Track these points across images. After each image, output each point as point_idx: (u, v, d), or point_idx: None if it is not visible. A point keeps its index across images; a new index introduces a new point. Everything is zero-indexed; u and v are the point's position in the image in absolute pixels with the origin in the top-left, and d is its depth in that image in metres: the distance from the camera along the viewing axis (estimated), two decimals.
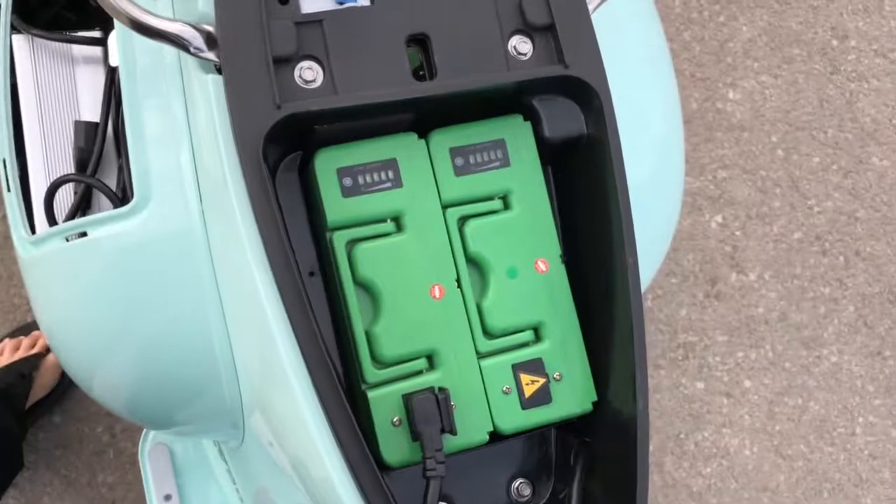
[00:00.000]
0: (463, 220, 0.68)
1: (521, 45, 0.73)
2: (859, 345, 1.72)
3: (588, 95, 0.73)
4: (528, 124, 0.71)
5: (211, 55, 0.68)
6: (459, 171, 0.69)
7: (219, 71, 0.68)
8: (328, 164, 0.70)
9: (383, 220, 0.67)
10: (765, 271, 1.73)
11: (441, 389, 0.69)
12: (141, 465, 1.01)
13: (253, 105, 0.66)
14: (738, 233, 1.74)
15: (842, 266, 1.75)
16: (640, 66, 0.88)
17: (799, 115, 1.80)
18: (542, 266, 0.74)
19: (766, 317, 1.71)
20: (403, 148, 0.67)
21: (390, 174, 0.71)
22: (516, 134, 0.70)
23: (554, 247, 0.71)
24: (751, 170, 1.76)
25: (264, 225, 0.65)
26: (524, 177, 0.70)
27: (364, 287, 0.71)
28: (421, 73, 0.68)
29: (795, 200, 1.76)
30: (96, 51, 0.82)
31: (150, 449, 1.01)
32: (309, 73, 0.68)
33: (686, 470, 1.62)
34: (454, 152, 0.69)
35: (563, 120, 0.75)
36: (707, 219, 1.73)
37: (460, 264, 0.68)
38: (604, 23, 0.68)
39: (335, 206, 0.65)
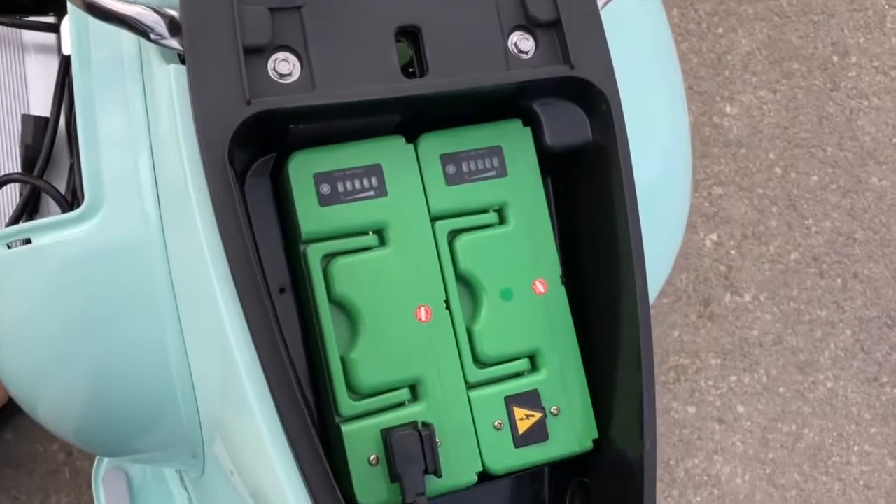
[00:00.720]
0: (453, 235, 0.62)
1: (522, 43, 0.66)
2: (856, 370, 1.67)
3: (595, 100, 0.66)
4: (527, 130, 0.64)
5: (174, 43, 0.60)
6: (451, 180, 0.62)
7: (182, 61, 0.61)
8: (304, 168, 0.63)
9: (365, 233, 0.61)
10: (760, 293, 1.67)
11: (425, 424, 0.61)
12: (94, 492, 0.92)
13: (219, 100, 0.58)
14: (733, 252, 1.68)
15: (839, 288, 1.69)
16: (647, 68, 0.82)
17: (798, 131, 1.74)
18: (539, 287, 0.67)
19: (760, 340, 1.65)
20: (389, 153, 0.61)
21: (374, 181, 0.63)
22: (514, 140, 0.63)
23: (553, 266, 0.64)
24: (747, 187, 1.70)
25: (228, 235, 0.57)
26: (522, 188, 0.63)
27: (341, 307, 0.63)
28: (411, 69, 0.61)
29: (793, 220, 1.71)
30: (50, 38, 0.74)
31: (105, 473, 0.92)
32: (284, 65, 0.60)
33: (675, 499, 1.55)
34: (445, 159, 0.62)
35: (567, 126, 0.68)
36: (701, 237, 1.67)
37: (449, 284, 0.61)
38: (610, 20, 0.61)
39: (311, 216, 0.58)
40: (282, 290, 0.66)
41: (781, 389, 1.66)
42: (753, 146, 1.72)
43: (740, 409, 1.64)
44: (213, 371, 0.65)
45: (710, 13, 1.76)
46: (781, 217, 1.72)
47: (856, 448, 1.65)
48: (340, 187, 0.63)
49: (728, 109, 1.73)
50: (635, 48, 0.80)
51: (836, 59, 1.80)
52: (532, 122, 0.65)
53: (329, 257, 0.59)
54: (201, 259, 0.60)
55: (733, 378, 1.64)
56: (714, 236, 1.68)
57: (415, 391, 0.61)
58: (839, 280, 1.71)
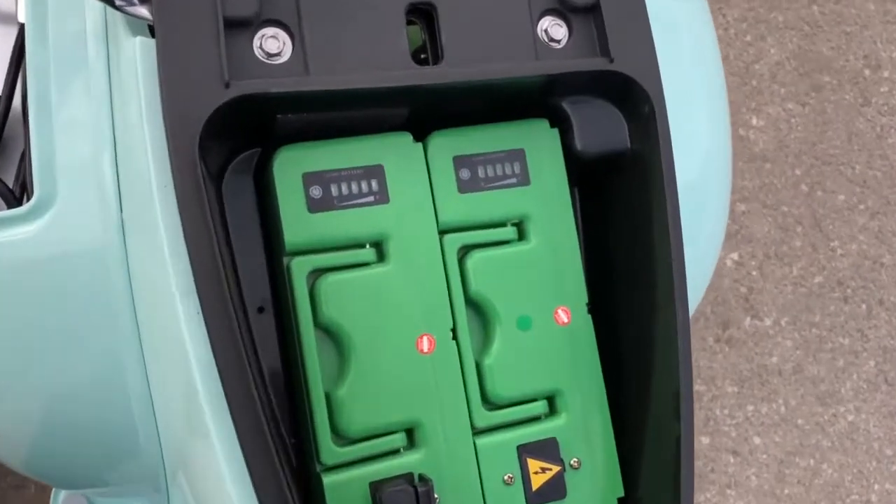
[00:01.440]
0: (465, 251, 0.55)
1: (553, 29, 0.56)
2: (878, 403, 1.57)
3: (636, 100, 0.57)
4: (554, 132, 0.57)
5: (143, 11, 0.50)
6: (464, 187, 0.53)
7: (153, 33, 0.51)
8: (291, 166, 0.53)
9: (360, 246, 0.53)
10: (781, 317, 1.57)
11: (422, 478, 0.52)
12: None
13: (193, 80, 0.48)
14: (754, 273, 1.58)
15: (864, 315, 1.59)
16: (690, 64, 0.72)
17: (826, 147, 1.65)
18: (562, 317, 0.57)
19: (780, 367, 1.55)
20: (393, 152, 0.54)
21: (374, 185, 0.54)
22: (539, 143, 0.56)
23: (579, 292, 0.56)
24: (772, 205, 1.60)
25: (193, 243, 0.47)
26: (546, 199, 0.56)
27: (328, 333, 0.53)
28: (423, 55, 0.54)
29: (817, 241, 1.61)
30: (8, 4, 0.64)
31: (64, 499, 0.82)
32: (273, 43, 0.51)
33: None
34: (459, 162, 0.52)
35: (602, 129, 0.58)
36: (722, 255, 1.57)
37: (458, 309, 0.54)
38: (649, 6, 0.51)
39: (297, 224, 0.51)
40: (261, 310, 0.56)
41: (800, 421, 1.56)
42: (779, 161, 1.62)
43: (756, 440, 1.54)
44: (175, 400, 0.55)
45: (739, 19, 1.66)
46: (806, 237, 1.62)
47: (876, 486, 1.56)
48: (334, 191, 0.53)
49: (754, 121, 1.63)
50: (676, 40, 0.70)
51: (867, 72, 1.70)
52: (560, 122, 0.58)
53: (317, 273, 0.52)
54: (163, 270, 0.50)
55: (750, 407, 1.54)
56: (735, 255, 1.58)
57: (412, 436, 0.51)
58: (864, 306, 1.61)
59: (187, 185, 0.48)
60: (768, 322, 1.59)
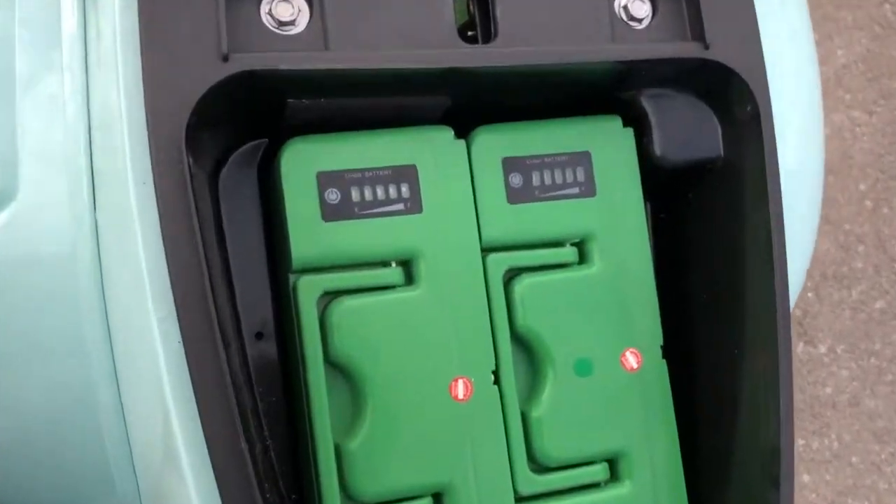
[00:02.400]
0: (512, 275, 0.47)
1: (635, 7, 0.46)
2: None
3: (736, 97, 0.46)
4: (628, 133, 0.49)
5: None
6: (515, 196, 0.46)
7: None
8: (303, 163, 0.43)
9: (385, 264, 0.45)
10: (837, 344, 1.45)
11: None
12: None
13: (183, 51, 0.38)
14: (810, 294, 1.46)
15: None
16: (788, 56, 0.60)
17: (894, 161, 1.52)
18: (631, 361, 0.46)
19: (834, 399, 1.43)
20: (429, 150, 0.46)
21: (404, 190, 0.43)
22: (609, 146, 0.48)
23: (653, 331, 0.49)
24: (833, 221, 1.48)
25: (175, 257, 0.37)
26: (615, 215, 0.48)
27: (341, 371, 0.43)
28: (471, 32, 0.45)
29: (881, 262, 1.48)
30: None
31: None
32: (285, 8, 0.40)
33: None
34: (510, 165, 0.44)
35: (688, 132, 0.48)
36: None
37: (502, 346, 0.46)
38: None
39: (307, 234, 0.43)
40: (259, 336, 0.46)
41: (854, 459, 1.44)
42: (842, 174, 1.50)
43: (805, 477, 1.42)
44: (152, 442, 0.45)
45: None
46: (868, 258, 1.49)
47: None
48: (354, 195, 0.43)
49: None
50: (773, 26, 0.58)
51: None
52: (636, 121, 0.49)
53: (329, 296, 0.44)
54: (139, 288, 0.40)
55: (801, 441, 1.42)
56: None
57: (440, 503, 0.40)
58: None
59: (169, 184, 0.38)
60: (823, 349, 1.47)
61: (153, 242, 0.39)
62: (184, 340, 0.38)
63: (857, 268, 1.50)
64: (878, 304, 1.50)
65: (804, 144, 0.57)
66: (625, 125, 0.48)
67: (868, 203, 1.52)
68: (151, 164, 0.38)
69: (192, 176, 0.38)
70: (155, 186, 0.38)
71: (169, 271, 0.38)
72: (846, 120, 1.53)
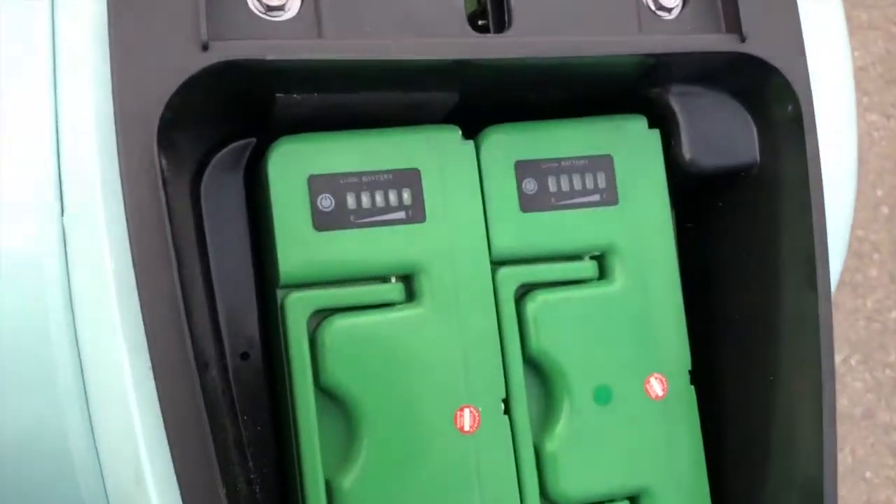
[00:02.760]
0: (526, 292, 0.43)
1: None
2: None
3: (775, 96, 0.42)
4: (654, 135, 0.45)
5: None
6: (529, 204, 0.42)
7: None
8: (293, 165, 0.38)
9: (384, 279, 0.41)
10: (852, 354, 1.41)
11: None
12: None
13: (156, 37, 0.34)
14: None
15: None
16: (825, 56, 0.55)
17: None
18: (656, 387, 0.42)
19: (849, 412, 1.38)
20: (434, 152, 0.41)
21: (405, 196, 0.39)
22: (633, 149, 0.44)
23: (680, 354, 0.45)
24: None
25: (145, 274, 0.32)
26: (640, 225, 0.44)
27: (334, 399, 0.39)
28: (482, 21, 0.41)
29: None
30: None
31: None
32: None
33: None
34: (523, 169, 0.41)
35: (720, 134, 0.43)
36: None
37: (513, 372, 0.42)
38: None
39: (297, 245, 0.39)
40: (244, 356, 0.42)
41: (868, 474, 1.39)
42: (858, 179, 1.45)
43: None
44: (124, 477, 0.40)
45: None
46: (883, 266, 1.45)
47: None
48: (350, 202, 0.39)
49: None
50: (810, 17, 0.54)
51: None
52: (663, 122, 0.45)
53: (321, 315, 0.40)
54: (106, 305, 0.36)
55: None
56: None
57: None
58: None
59: (140, 190, 0.33)
60: (837, 360, 1.43)
61: (123, 254, 0.35)
62: (154, 367, 0.34)
63: (872, 276, 1.45)
64: (894, 314, 1.46)
65: (840, 148, 0.53)
66: (650, 126, 0.44)
67: (885, 209, 1.47)
68: (119, 167, 0.33)
69: (166, 181, 0.34)
70: (123, 193, 0.33)
71: (138, 290, 0.33)
72: (862, 123, 1.48)
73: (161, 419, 0.34)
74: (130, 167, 0.33)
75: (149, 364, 0.34)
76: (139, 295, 0.33)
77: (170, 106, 0.34)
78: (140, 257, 0.33)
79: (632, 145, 0.44)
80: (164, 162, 0.34)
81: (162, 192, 0.33)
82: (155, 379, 0.34)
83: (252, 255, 0.43)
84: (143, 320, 0.33)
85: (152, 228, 0.33)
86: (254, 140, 0.43)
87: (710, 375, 0.46)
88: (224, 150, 0.43)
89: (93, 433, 0.43)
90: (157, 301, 0.33)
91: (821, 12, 0.53)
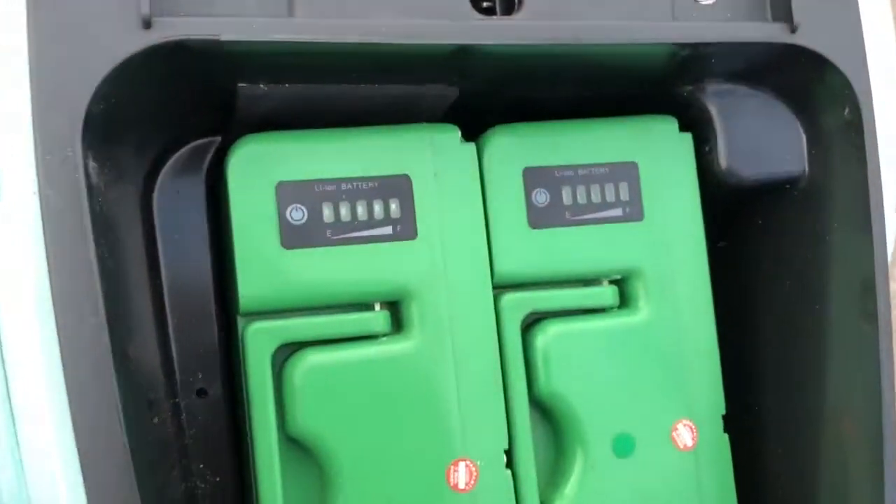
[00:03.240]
0: (534, 322, 0.37)
1: None
2: None
3: (829, 96, 0.36)
4: (686, 140, 0.39)
5: None
6: (539, 218, 0.37)
7: None
8: (258, 169, 0.32)
9: (367, 307, 0.35)
10: None
11: None
12: None
13: (88, 12, 0.27)
14: None
15: None
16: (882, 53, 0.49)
17: None
18: (685, 436, 0.36)
19: None
20: (429, 155, 0.36)
21: (393, 209, 0.33)
22: (662, 156, 0.39)
23: (713, 398, 0.39)
24: None
25: (61, 297, 0.26)
26: (668, 244, 0.39)
27: (304, 448, 0.32)
28: (486, 2, 0.35)
29: None
30: None
31: None
32: None
33: None
34: (533, 177, 0.37)
35: (763, 140, 0.38)
36: None
37: (518, 417, 0.36)
38: None
39: (261, 264, 0.33)
40: (201, 393, 0.35)
41: None
42: None
43: None
44: None
45: None
46: None
47: None
48: (327, 214, 0.33)
49: None
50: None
51: None
52: (696, 125, 0.39)
53: (289, 349, 0.34)
54: (25, 337, 0.29)
55: None
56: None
57: None
58: None
59: (58, 196, 0.27)
60: None
61: (39, 276, 0.28)
62: (72, 413, 0.27)
63: None
64: None
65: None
66: (681, 129, 0.38)
67: None
68: (36, 169, 0.27)
69: (93, 186, 0.27)
70: (41, 203, 0.27)
71: (56, 319, 0.27)
72: None
73: (80, 478, 0.28)
74: (48, 168, 0.27)
75: (68, 408, 0.28)
76: (56, 324, 0.27)
77: (102, 95, 0.28)
78: (57, 279, 0.27)
79: (660, 151, 0.38)
80: (94, 164, 0.28)
81: (85, 201, 0.26)
82: (74, 428, 0.27)
83: (213, 275, 0.37)
84: (61, 356, 0.27)
85: (74, 243, 0.27)
86: (217, 139, 0.37)
87: (747, 421, 0.39)
88: (183, 150, 0.37)
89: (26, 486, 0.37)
90: (75, 332, 0.27)
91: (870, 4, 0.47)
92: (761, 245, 0.40)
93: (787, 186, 0.38)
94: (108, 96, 0.28)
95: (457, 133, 0.35)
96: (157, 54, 0.28)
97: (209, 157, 0.37)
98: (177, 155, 0.37)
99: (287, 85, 0.32)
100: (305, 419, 0.32)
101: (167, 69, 0.30)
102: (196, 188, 0.37)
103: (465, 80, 0.34)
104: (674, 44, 0.34)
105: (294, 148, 0.33)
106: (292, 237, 0.33)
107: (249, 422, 0.33)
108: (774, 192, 0.38)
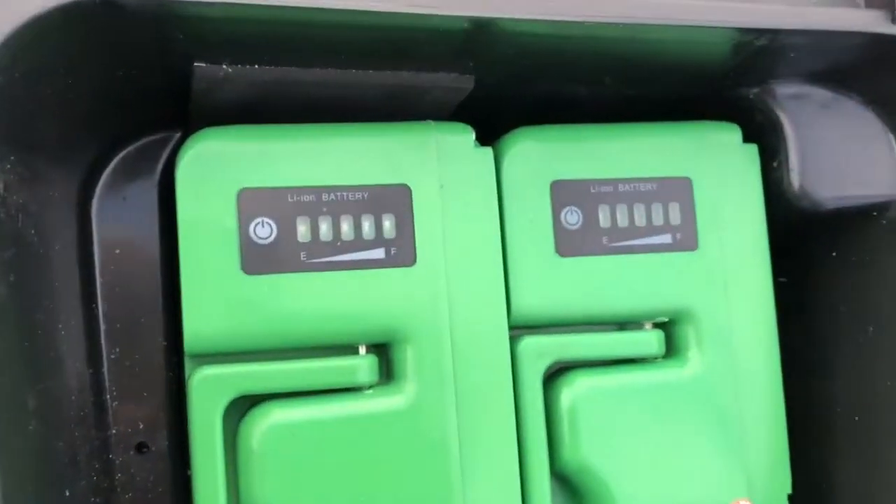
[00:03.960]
0: (558, 372, 0.30)
1: None
2: None
3: None
4: (751, 153, 0.33)
5: None
6: (569, 244, 0.30)
7: None
8: (214, 172, 0.26)
9: (349, 349, 0.28)
10: None
11: None
12: None
13: None
14: None
15: None
16: None
17: None
18: None
19: None
20: (433, 161, 0.28)
21: (386, 227, 0.26)
22: (721, 171, 0.32)
23: (778, 471, 0.32)
24: None
25: None
26: (727, 281, 0.31)
27: None
28: None
29: None
30: None
31: None
32: None
33: None
34: (563, 193, 0.30)
35: (845, 157, 0.31)
36: None
37: (536, 493, 0.29)
38: None
39: (215, 293, 0.26)
40: (142, 448, 0.28)
41: None
42: None
43: None
44: None
45: None
46: None
47: None
48: (302, 231, 0.26)
49: None
50: None
51: None
52: (762, 135, 0.32)
53: (247, 402, 0.27)
54: None
55: None
56: None
57: None
58: None
59: None
60: None
61: None
62: None
63: None
64: None
65: None
66: (745, 140, 0.31)
67: None
68: None
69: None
70: None
71: None
72: None
73: None
74: None
75: None
76: None
77: (1, 68, 0.21)
78: None
79: (719, 165, 0.31)
80: None
81: None
82: None
83: (163, 300, 0.30)
84: None
85: None
86: (178, 134, 0.30)
87: (817, 499, 0.32)
88: (131, 148, 0.30)
89: None
90: None
91: None
92: (837, 284, 0.33)
93: (874, 214, 0.31)
94: (9, 70, 0.21)
95: (470, 134, 0.28)
96: (78, 14, 0.21)
97: (165, 155, 0.30)
98: (124, 153, 0.30)
99: (256, 66, 0.25)
100: (265, 494, 0.25)
101: (97, 39, 0.23)
102: (147, 194, 0.30)
103: (484, 67, 0.28)
104: (745, 28, 0.27)
105: (262, 147, 0.26)
106: (256, 260, 0.26)
107: (195, 491, 0.26)
108: (857, 219, 0.32)
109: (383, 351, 0.28)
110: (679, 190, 0.31)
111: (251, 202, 0.26)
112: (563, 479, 0.29)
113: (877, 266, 0.32)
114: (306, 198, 0.27)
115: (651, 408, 0.29)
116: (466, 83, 0.28)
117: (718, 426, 0.30)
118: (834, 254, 0.34)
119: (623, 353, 0.30)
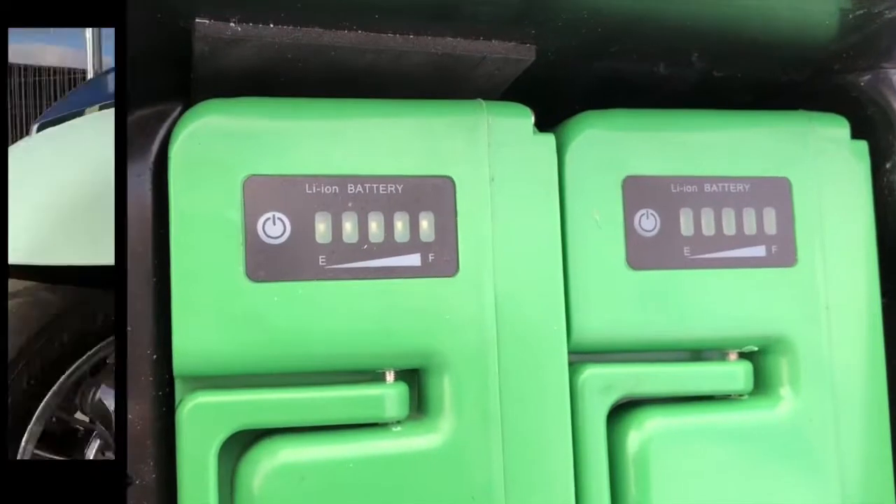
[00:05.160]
0: (624, 408, 0.25)
1: None
2: None
3: None
4: (861, 150, 0.27)
5: None
6: (643, 254, 0.25)
7: None
8: (217, 154, 0.20)
9: (372, 375, 0.23)
10: None
11: None
12: None
13: None
14: None
15: None
16: None
17: None
18: None
19: None
20: (485, 148, 0.23)
21: (423, 226, 0.21)
22: (825, 171, 0.26)
23: None
24: None
25: None
26: (831, 303, 0.26)
27: None
28: None
29: None
30: None
31: None
32: None
33: None
34: (638, 191, 0.25)
35: None
36: None
37: None
38: None
39: (212, 304, 0.21)
40: (127, 482, 0.24)
41: None
42: None
43: None
44: None
45: None
46: None
47: None
48: (322, 229, 0.21)
49: None
50: None
51: None
52: (875, 131, 0.27)
53: (248, 437, 0.22)
54: None
55: None
56: None
57: None
58: None
59: None
60: None
61: None
62: None
63: None
64: None
65: None
66: (854, 136, 0.25)
67: None
68: None
69: None
70: None
71: None
72: None
73: None
74: None
75: None
76: None
77: None
78: None
79: (823, 165, 0.26)
80: None
81: None
82: None
83: (155, 310, 0.25)
84: None
85: None
86: (178, 107, 0.25)
87: None
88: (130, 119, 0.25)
89: None
90: None
91: None
92: None
93: None
94: None
95: (529, 117, 0.23)
96: None
97: (162, 132, 0.26)
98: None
99: (270, 25, 0.21)
100: None
101: None
102: (138, 179, 0.25)
103: (547, 35, 0.23)
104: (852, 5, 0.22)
105: (275, 125, 0.21)
106: (264, 263, 0.21)
107: None
108: None
109: (415, 379, 0.23)
110: (776, 193, 0.26)
111: (260, 192, 0.21)
112: None
113: None
114: (327, 189, 0.22)
115: (735, 455, 0.24)
116: (526, 54, 0.23)
117: (815, 476, 0.25)
118: None
119: (704, 388, 0.25)
